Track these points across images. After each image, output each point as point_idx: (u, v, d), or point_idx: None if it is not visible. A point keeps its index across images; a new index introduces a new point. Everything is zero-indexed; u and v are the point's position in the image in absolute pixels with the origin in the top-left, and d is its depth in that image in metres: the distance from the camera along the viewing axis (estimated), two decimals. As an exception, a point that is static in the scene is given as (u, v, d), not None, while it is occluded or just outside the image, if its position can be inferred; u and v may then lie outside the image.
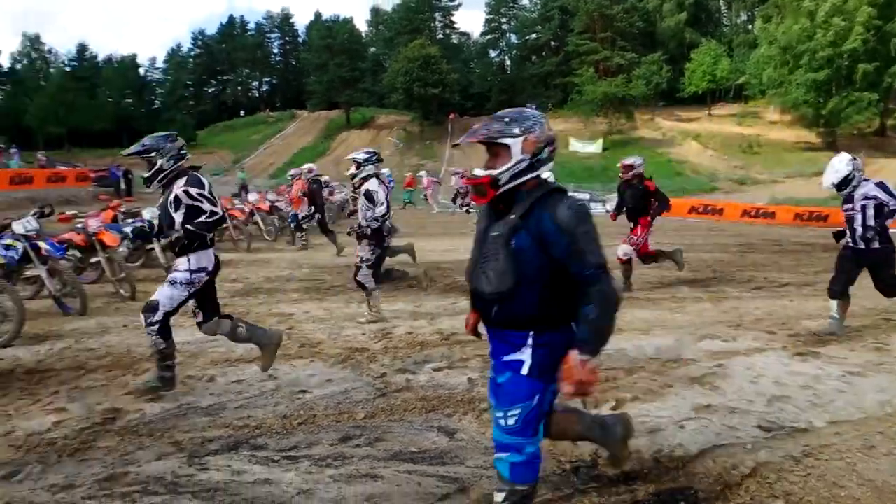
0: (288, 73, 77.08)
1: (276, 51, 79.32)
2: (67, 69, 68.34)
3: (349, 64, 58.77)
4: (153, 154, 4.28)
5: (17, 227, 6.71)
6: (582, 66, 51.54)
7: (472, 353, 5.09)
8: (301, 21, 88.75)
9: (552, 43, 61.82)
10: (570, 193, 2.55)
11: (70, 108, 56.19)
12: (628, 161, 8.22)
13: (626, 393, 4.24)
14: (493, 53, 68.45)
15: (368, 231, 6.32)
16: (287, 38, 78.91)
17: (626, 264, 8.05)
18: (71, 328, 6.31)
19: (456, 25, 68.64)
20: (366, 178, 6.48)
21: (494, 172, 2.44)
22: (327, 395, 4.25)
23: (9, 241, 6.66)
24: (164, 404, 4.18)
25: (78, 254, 8.11)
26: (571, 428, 2.80)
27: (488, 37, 67.47)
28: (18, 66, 65.70)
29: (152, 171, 4.28)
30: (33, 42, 68.91)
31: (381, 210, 6.29)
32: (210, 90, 75.27)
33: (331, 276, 8.89)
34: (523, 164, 2.40)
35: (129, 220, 10.11)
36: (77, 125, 57.36)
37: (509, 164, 2.41)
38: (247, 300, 7.56)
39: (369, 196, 6.32)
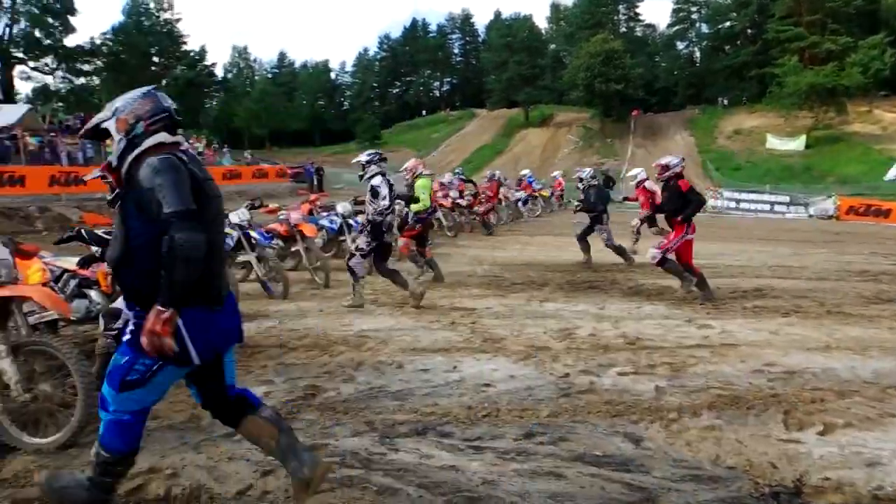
0: (468, 72, 79.04)
1: (456, 51, 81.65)
2: (269, 76, 76.34)
3: (528, 61, 58.80)
4: None
5: (233, 217, 7.60)
6: (783, 55, 46.20)
7: (660, 360, 4.86)
8: (481, 21, 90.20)
9: (748, 31, 56.69)
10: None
11: (271, 111, 62.66)
12: (663, 161, 7.46)
13: (836, 418, 3.79)
14: (680, 45, 64.28)
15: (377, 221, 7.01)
16: (467, 39, 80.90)
17: (670, 266, 7.32)
18: (275, 310, 7.03)
19: (640, 18, 65.81)
20: (371, 177, 7.10)
21: (110, 157, 2.55)
22: (510, 390, 4.30)
23: (225, 230, 7.59)
24: (358, 386, 4.50)
25: (281, 243, 8.99)
26: (263, 439, 2.76)
27: (676, 28, 63.57)
28: (229, 76, 74.45)
29: None
30: (241, 53, 78.00)
31: (384, 203, 6.88)
32: (394, 91, 79.35)
33: (510, 274, 9.00)
34: (122, 144, 2.48)
35: (325, 214, 11.08)
36: (277, 126, 63.80)
37: (114, 147, 2.51)
38: (429, 293, 7.86)
39: (374, 192, 6.97)
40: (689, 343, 5.31)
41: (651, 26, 67.27)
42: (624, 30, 61.54)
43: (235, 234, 7.49)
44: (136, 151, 2.44)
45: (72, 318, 5.03)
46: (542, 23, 71.63)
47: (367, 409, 4.05)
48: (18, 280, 3.74)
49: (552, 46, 65.09)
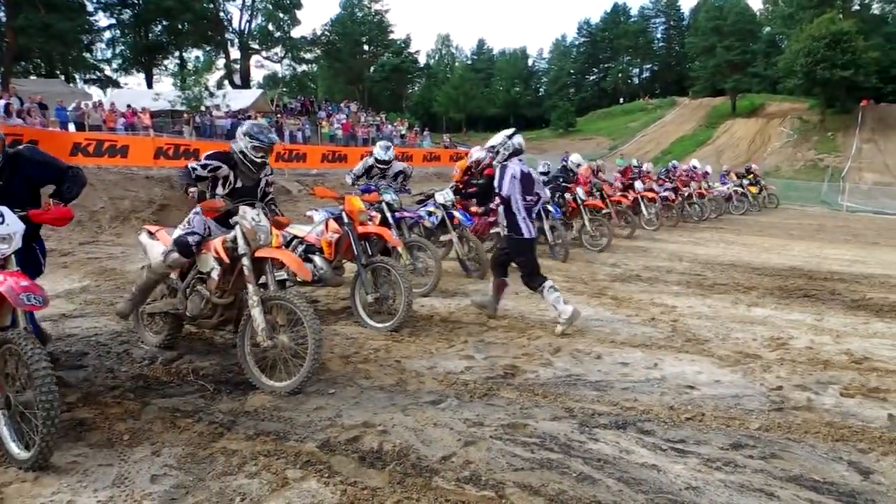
0: (670, 58, 74.80)
1: (658, 36, 77.51)
2: (469, 62, 78.23)
3: (739, 46, 54.01)
4: None
5: (438, 197, 7.99)
6: None
7: (895, 384, 4.29)
8: (687, 3, 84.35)
9: None
10: None
11: (469, 96, 64.19)
12: None
13: None
14: None
15: None
16: (671, 23, 76.35)
17: None
18: (473, 289, 7.28)
19: (880, -8, 57.20)
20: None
21: None
22: (716, 395, 4.07)
23: (431, 209, 7.99)
24: (556, 371, 4.54)
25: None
26: None
27: (929, 2, 54.08)
28: (431, 62, 77.58)
29: None
30: (444, 40, 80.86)
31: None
32: (591, 78, 77.45)
33: (713, 273, 8.45)
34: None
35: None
36: (473, 111, 65.39)
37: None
38: (627, 286, 7.68)
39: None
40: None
41: (894, 2, 58.06)
42: (857, 7, 53.63)
43: (440, 213, 7.89)
44: None
45: (308, 279, 5.70)
46: (756, 3, 65.51)
47: (566, 395, 4.08)
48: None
49: (766, 29, 58.94)
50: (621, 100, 72.80)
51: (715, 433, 3.54)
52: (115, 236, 11.06)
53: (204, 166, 4.34)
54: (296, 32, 56.27)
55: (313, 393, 4.05)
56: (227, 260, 4.17)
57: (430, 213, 7.94)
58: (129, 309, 4.64)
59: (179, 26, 47.81)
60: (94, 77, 46.55)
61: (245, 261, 4.08)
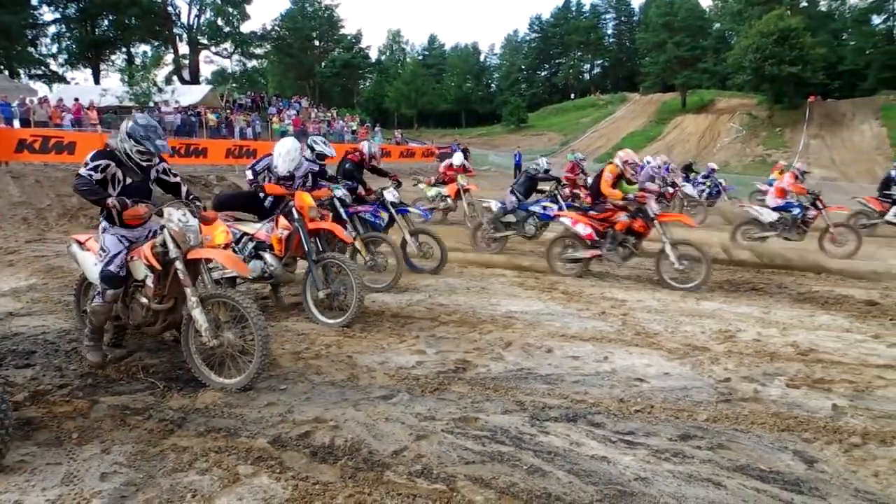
0: (621, 54, 75.96)
1: (609, 32, 78.55)
2: (420, 58, 78.12)
3: (689, 42, 55.24)
4: None
5: (388, 195, 7.87)
6: None
7: (839, 376, 4.42)
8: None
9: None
10: None
11: (420, 92, 64.13)
12: None
13: None
14: (877, 20, 55.79)
15: None
16: (622, 19, 77.54)
17: None
18: (424, 284, 7.26)
19: (826, -11, 58.90)
20: None
21: None
22: (665, 388, 4.13)
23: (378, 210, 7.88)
24: (507, 365, 4.55)
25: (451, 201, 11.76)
26: None
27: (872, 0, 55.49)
28: (382, 58, 77.15)
29: None
30: (395, 36, 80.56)
31: None
32: (543, 73, 78.07)
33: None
34: None
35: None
36: (425, 107, 65.37)
37: None
38: (577, 281, 7.75)
39: None
40: (876, 362, 4.75)
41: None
42: (805, 4, 55.07)
43: (385, 215, 7.81)
44: None
45: (249, 276, 5.60)
46: (705, 0, 66.85)
47: (517, 389, 4.09)
48: (204, 243, 4.23)
49: (716, 26, 60.42)
50: (572, 95, 73.67)
51: (664, 425, 3.59)
52: (63, 234, 10.70)
53: (96, 168, 4.07)
54: (245, 27, 55.67)
55: (264, 389, 4.01)
56: (158, 266, 4.04)
57: (376, 215, 7.86)
58: (98, 356, 4.31)
59: (126, 21, 46.57)
60: (40, 72, 44.94)
61: (178, 264, 3.97)
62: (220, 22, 53.16)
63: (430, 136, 48.99)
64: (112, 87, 28.47)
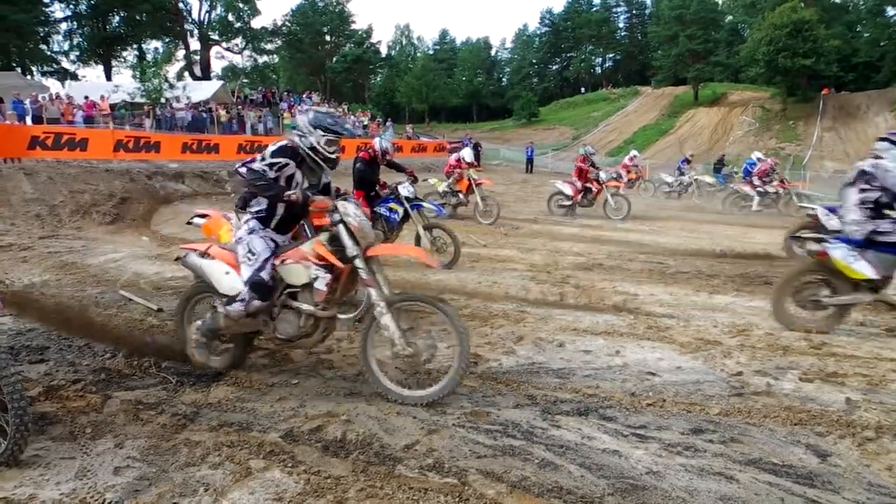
0: (633, 48, 75.21)
1: (621, 25, 77.85)
2: (431, 53, 77.90)
3: (701, 35, 54.56)
4: None
5: (403, 191, 7.88)
6: None
7: (853, 370, 4.38)
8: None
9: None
10: None
11: (431, 86, 63.93)
12: None
13: None
14: (890, 12, 54.89)
15: None
16: (633, 12, 76.78)
17: None
18: (436, 279, 7.27)
19: (841, -19, 58.13)
20: None
21: None
22: (677, 382, 4.12)
23: (393, 205, 7.84)
24: (518, 359, 4.55)
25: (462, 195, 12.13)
26: None
27: (888, -9, 54.67)
28: (393, 53, 77.02)
29: None
30: (404, 31, 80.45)
31: None
32: (554, 67, 77.44)
33: (675, 262, 8.55)
34: None
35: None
36: (436, 102, 65.22)
37: None
38: (589, 274, 7.73)
39: None
40: (889, 356, 4.71)
41: (855, -10, 58.92)
42: (819, -5, 54.39)
43: (401, 210, 7.80)
44: None
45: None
46: (718, -8, 66.07)
47: (528, 383, 4.09)
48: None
49: (729, 18, 59.84)
50: (584, 89, 73.15)
51: (676, 419, 3.58)
52: (76, 230, 10.82)
53: (272, 166, 3.77)
54: (256, 23, 55.59)
55: (276, 384, 4.05)
56: (340, 265, 3.69)
57: (391, 210, 7.85)
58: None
59: (138, 17, 46.68)
60: (52, 69, 45.20)
61: (359, 262, 3.66)
62: (230, 17, 53.21)
63: (442, 131, 48.79)
64: (124, 83, 28.62)
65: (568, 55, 77.27)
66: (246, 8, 52.92)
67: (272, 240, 3.89)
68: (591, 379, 4.16)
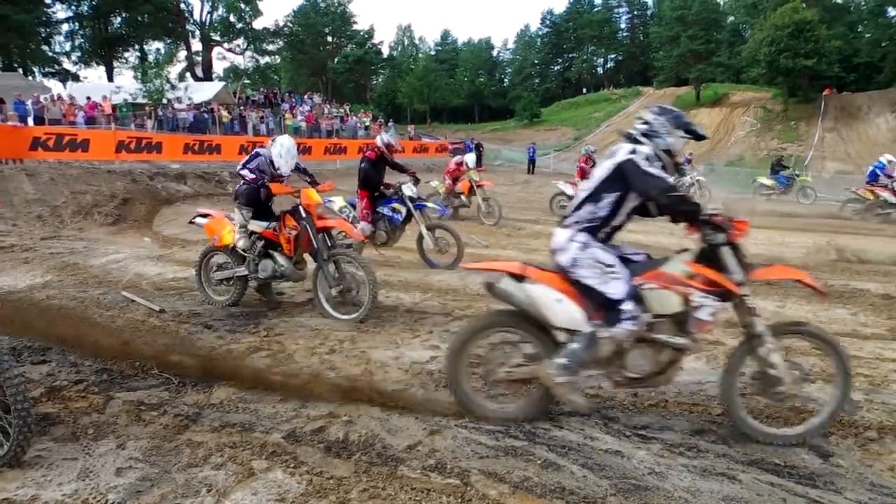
0: (634, 48, 75.24)
1: (623, 26, 77.88)
2: (432, 53, 78.02)
3: (703, 36, 54.60)
4: None
5: (406, 190, 7.89)
6: None
7: (855, 369, 4.35)
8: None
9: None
10: None
11: (433, 87, 63.96)
12: None
13: None
14: (892, 12, 54.83)
15: None
16: (635, 13, 76.84)
17: None
18: (439, 279, 7.26)
19: (842, -18, 58.15)
20: None
21: None
22: (679, 383, 4.09)
23: (396, 205, 7.84)
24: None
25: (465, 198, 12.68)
26: None
27: (890, -9, 54.67)
28: (394, 53, 77.13)
29: None
30: (406, 31, 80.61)
31: None
32: (555, 68, 77.52)
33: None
34: None
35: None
36: (438, 102, 65.26)
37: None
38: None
39: None
40: (892, 356, 4.71)
41: (857, -10, 58.87)
42: (820, -5, 54.42)
43: (404, 209, 7.81)
44: None
45: (260, 276, 5.64)
46: (720, -7, 66.04)
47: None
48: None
49: (730, 19, 59.86)
50: (585, 90, 73.18)
51: (678, 419, 3.59)
52: (77, 231, 10.84)
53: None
54: (258, 24, 55.62)
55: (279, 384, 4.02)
56: (737, 290, 3.28)
57: (394, 210, 7.84)
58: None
59: (139, 18, 46.74)
60: (53, 70, 45.30)
61: (746, 289, 3.30)
62: (232, 18, 53.28)
63: (443, 132, 48.82)
64: (125, 84, 28.69)
65: (569, 56, 77.28)
66: (247, 9, 52.99)
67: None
68: (592, 379, 4.14)
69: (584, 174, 14.22)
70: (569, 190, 14.36)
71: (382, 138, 8.12)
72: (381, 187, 7.93)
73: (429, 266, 7.93)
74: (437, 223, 8.30)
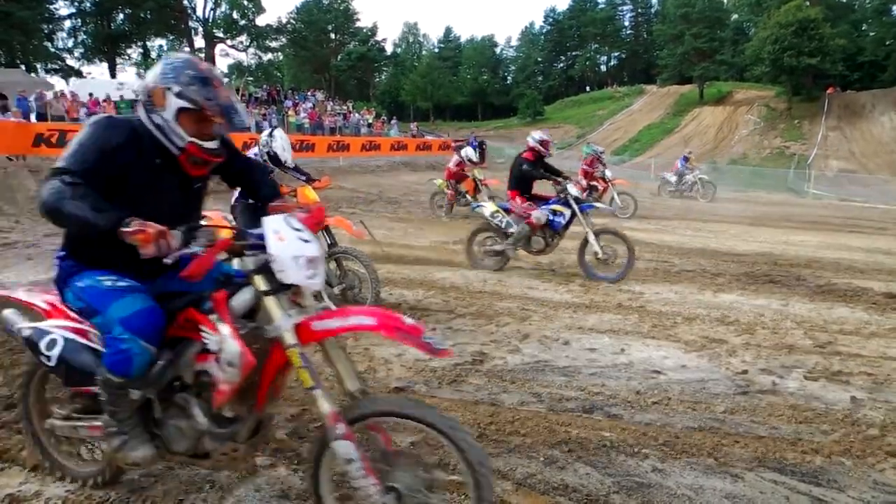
0: (638, 46, 75.13)
1: (626, 24, 77.80)
2: (436, 51, 77.94)
3: (707, 34, 54.47)
4: None
5: (573, 190, 7.39)
6: None
7: (858, 368, 4.37)
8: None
9: None
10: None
11: (436, 84, 63.87)
12: None
13: None
14: None
15: None
16: (639, 10, 76.71)
17: None
18: (440, 276, 7.25)
19: (847, -20, 57.89)
20: None
21: None
22: (682, 380, 4.11)
23: (557, 207, 7.37)
24: (524, 357, 4.55)
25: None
26: None
27: (894, -11, 54.40)
28: (399, 51, 77.10)
29: None
30: (411, 29, 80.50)
31: None
32: (559, 66, 77.35)
33: (679, 260, 8.54)
34: None
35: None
36: (441, 100, 65.20)
37: None
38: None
39: None
40: (895, 354, 4.71)
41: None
42: (826, -7, 54.13)
43: (568, 212, 7.35)
44: None
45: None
46: (723, -10, 65.80)
47: (534, 381, 4.09)
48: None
49: (734, 17, 59.65)
50: (589, 88, 73.10)
51: (680, 416, 3.58)
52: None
53: None
54: (261, 20, 55.80)
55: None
56: None
57: (555, 213, 7.33)
58: None
59: (142, 15, 46.80)
60: (56, 67, 45.38)
61: None
62: (235, 15, 53.33)
63: (447, 129, 48.84)
64: (128, 80, 28.72)
65: (573, 54, 77.19)
66: (250, 5, 53.04)
67: None
68: (597, 377, 4.16)
69: (587, 174, 14.18)
70: (574, 191, 14.26)
71: (536, 136, 7.77)
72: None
73: (589, 277, 7.26)
74: (605, 227, 7.54)
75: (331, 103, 35.74)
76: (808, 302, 6.42)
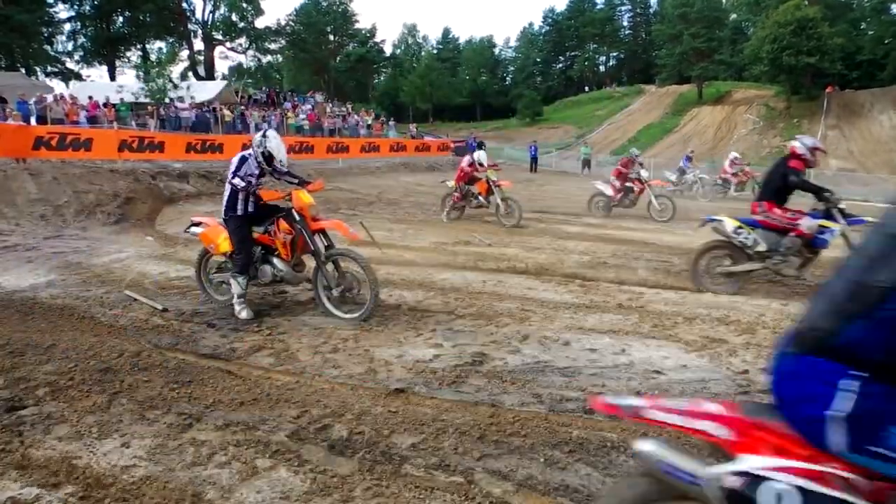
0: (636, 46, 75.06)
1: (625, 24, 77.73)
2: (434, 52, 77.89)
3: (705, 33, 54.47)
4: None
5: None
6: None
7: (858, 366, 4.37)
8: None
9: None
10: None
11: (435, 85, 63.83)
12: None
13: None
14: (895, 9, 54.81)
15: None
16: (637, 10, 76.64)
17: None
18: (441, 278, 7.25)
19: (845, -21, 57.88)
20: None
21: None
22: (683, 380, 4.11)
23: (824, 221, 6.65)
24: (524, 358, 4.54)
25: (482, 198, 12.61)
26: None
27: (892, -12, 54.44)
28: (398, 52, 77.10)
29: None
30: (410, 30, 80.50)
31: None
32: (558, 66, 77.29)
33: (679, 260, 8.52)
34: None
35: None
36: (440, 101, 65.19)
37: None
38: (594, 273, 7.71)
39: None
40: None
41: (859, -13, 58.49)
42: (822, -8, 54.09)
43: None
44: None
45: (261, 281, 5.64)
46: (722, -10, 65.79)
47: (534, 381, 4.09)
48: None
49: (733, 16, 59.65)
50: (588, 88, 73.06)
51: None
52: (80, 230, 10.83)
53: None
54: (260, 23, 55.73)
55: (283, 383, 4.03)
56: None
57: (824, 229, 6.59)
58: None
59: (142, 17, 46.88)
60: (56, 70, 45.35)
61: None
62: (234, 17, 53.33)
63: (446, 130, 48.75)
64: (128, 83, 28.69)
65: (572, 54, 77.13)
66: (249, 8, 53.06)
67: None
68: (597, 377, 4.15)
69: (620, 174, 14.19)
70: (608, 190, 14.30)
71: (807, 142, 7.06)
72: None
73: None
74: None
75: (330, 105, 35.76)
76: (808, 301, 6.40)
